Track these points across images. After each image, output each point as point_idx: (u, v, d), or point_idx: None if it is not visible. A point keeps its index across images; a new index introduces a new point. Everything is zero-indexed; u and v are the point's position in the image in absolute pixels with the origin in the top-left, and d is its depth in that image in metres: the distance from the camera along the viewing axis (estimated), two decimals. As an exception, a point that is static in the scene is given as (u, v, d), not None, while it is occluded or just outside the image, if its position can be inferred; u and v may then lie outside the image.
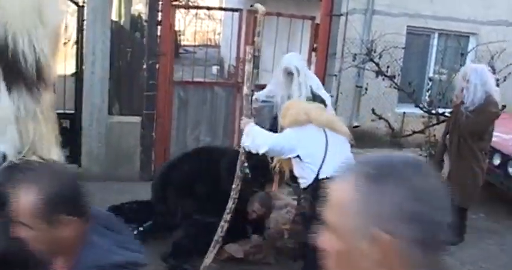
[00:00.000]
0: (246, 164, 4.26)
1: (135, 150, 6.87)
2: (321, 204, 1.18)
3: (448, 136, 5.65)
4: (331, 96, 7.39)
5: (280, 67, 5.59)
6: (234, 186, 4.14)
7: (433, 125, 7.27)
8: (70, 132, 6.59)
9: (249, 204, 4.76)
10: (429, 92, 8.22)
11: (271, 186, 5.29)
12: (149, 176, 6.81)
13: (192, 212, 4.79)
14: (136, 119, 6.90)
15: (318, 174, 3.75)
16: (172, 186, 4.91)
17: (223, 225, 4.09)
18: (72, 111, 6.70)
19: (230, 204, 4.07)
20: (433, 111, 7.24)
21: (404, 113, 8.60)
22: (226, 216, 4.10)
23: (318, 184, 3.68)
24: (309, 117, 3.86)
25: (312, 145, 3.82)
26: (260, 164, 4.53)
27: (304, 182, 3.89)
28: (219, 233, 4.09)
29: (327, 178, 3.61)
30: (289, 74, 5.41)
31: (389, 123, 7.88)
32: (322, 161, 3.73)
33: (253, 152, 3.99)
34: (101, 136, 6.66)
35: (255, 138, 3.92)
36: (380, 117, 7.70)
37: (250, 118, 4.15)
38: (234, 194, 4.10)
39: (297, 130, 3.88)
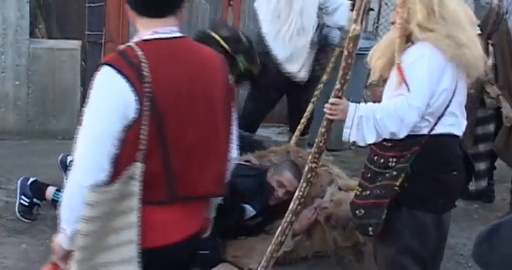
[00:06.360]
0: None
1: (74, 91, 5.93)
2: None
3: None
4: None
5: None
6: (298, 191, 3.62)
7: None
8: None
9: (270, 177, 4.22)
10: None
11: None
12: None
13: None
14: (75, 45, 5.99)
15: (433, 127, 3.20)
16: None
17: (285, 228, 3.58)
18: (-29, 28, 5.89)
19: (294, 206, 3.61)
20: None
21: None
22: (289, 218, 3.61)
23: (430, 142, 3.17)
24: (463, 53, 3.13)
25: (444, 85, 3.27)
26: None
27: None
28: (282, 234, 3.62)
29: (445, 136, 3.18)
30: None
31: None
32: (445, 109, 3.22)
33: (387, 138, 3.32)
34: (20, 70, 5.75)
35: (386, 123, 3.18)
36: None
37: (341, 97, 3.34)
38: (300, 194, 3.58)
39: (437, 61, 3.18)
